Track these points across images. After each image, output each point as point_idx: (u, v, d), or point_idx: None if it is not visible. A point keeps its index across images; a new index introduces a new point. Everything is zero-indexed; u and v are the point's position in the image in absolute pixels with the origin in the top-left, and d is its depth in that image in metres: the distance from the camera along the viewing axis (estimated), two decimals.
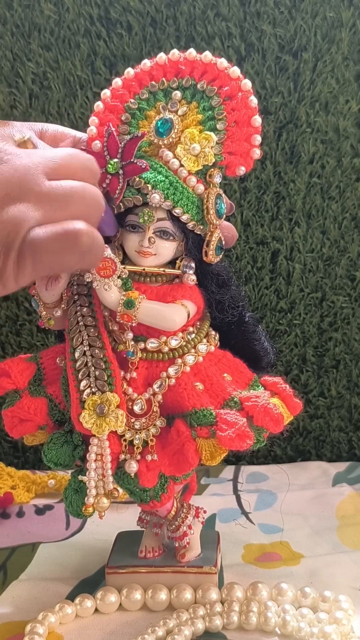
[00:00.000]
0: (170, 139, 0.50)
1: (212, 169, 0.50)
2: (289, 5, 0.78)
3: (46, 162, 0.42)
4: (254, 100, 0.50)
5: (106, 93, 0.53)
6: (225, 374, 0.53)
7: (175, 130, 0.50)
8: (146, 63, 0.53)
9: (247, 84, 0.50)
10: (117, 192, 0.49)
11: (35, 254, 0.40)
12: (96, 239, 0.43)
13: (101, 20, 0.79)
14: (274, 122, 0.80)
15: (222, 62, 0.51)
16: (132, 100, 0.52)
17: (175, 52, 0.52)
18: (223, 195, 0.52)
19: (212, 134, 0.50)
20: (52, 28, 0.80)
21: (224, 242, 0.52)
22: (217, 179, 0.51)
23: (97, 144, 0.51)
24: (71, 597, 0.56)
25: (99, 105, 0.53)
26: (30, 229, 0.40)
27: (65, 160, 0.43)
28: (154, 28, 0.79)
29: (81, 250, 0.42)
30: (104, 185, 0.49)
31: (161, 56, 0.52)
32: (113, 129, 0.50)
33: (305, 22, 0.78)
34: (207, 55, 0.51)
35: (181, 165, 0.50)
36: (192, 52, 0.51)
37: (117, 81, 0.53)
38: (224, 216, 0.52)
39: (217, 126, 0.50)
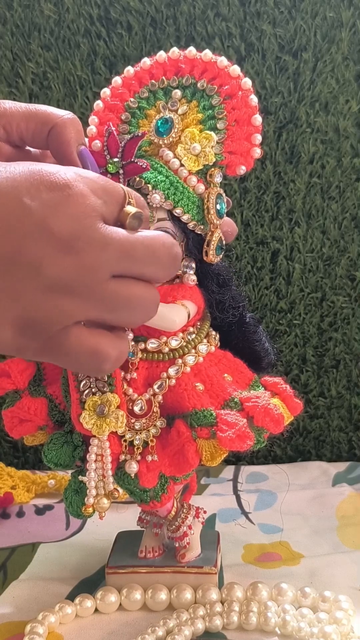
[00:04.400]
0: (171, 139, 0.50)
1: (213, 169, 0.50)
2: (289, 5, 0.78)
3: (119, 255, 0.38)
4: (254, 99, 0.50)
5: (106, 92, 0.53)
6: (226, 375, 0.53)
7: (176, 130, 0.50)
8: (146, 61, 0.53)
9: (247, 82, 0.50)
10: None
11: (58, 351, 0.39)
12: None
13: (101, 20, 0.79)
14: (274, 122, 0.80)
15: (222, 60, 0.51)
16: (132, 99, 0.52)
17: (175, 51, 0.52)
18: (223, 194, 0.52)
19: (212, 133, 0.49)
20: (52, 28, 0.80)
21: (224, 241, 0.52)
22: (218, 179, 0.51)
23: (97, 143, 0.50)
24: (71, 597, 0.55)
25: (98, 104, 0.53)
26: (71, 326, 0.38)
27: (144, 255, 0.39)
28: (154, 28, 0.79)
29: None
30: None
31: (161, 54, 0.52)
32: (113, 128, 0.50)
33: (305, 22, 0.78)
34: (207, 53, 0.51)
35: (181, 165, 0.50)
36: (192, 50, 0.51)
37: (117, 80, 0.53)
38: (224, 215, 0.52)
39: (218, 125, 0.50)
